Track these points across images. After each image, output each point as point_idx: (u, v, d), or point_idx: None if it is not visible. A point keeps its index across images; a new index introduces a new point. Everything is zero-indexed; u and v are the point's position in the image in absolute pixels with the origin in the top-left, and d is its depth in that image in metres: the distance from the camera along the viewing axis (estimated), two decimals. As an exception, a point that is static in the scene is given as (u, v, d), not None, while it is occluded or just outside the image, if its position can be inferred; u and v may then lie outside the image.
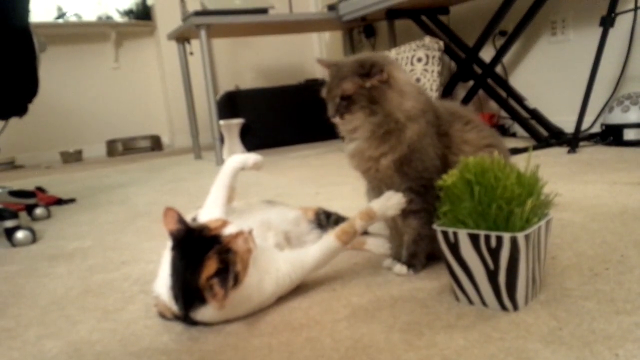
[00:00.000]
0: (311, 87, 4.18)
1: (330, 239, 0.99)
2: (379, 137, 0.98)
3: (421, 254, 1.03)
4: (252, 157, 1.13)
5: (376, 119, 0.96)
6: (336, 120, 1.00)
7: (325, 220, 1.28)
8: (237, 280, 0.84)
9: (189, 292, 0.84)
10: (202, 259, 0.83)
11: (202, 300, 0.83)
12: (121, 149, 4.81)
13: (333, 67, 1.01)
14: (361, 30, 4.34)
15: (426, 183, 0.98)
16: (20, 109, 2.00)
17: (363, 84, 0.96)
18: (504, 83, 3.03)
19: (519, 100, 2.92)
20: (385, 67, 0.96)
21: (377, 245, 1.19)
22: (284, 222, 1.15)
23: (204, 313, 0.85)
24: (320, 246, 0.99)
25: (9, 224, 1.64)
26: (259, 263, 0.90)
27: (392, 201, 0.99)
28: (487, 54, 3.09)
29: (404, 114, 0.96)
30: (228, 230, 0.87)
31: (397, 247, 1.08)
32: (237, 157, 1.13)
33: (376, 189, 1.07)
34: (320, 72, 5.07)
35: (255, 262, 0.89)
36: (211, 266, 0.82)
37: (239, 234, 0.86)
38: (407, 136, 0.97)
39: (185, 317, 0.87)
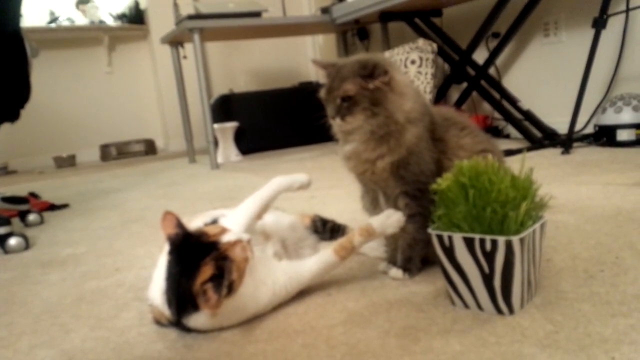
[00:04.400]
0: (305, 90, 4.19)
1: (328, 253, 0.99)
2: (376, 140, 0.97)
3: (416, 258, 1.03)
4: (299, 181, 1.07)
5: (377, 120, 0.95)
6: (336, 121, 0.98)
7: (322, 227, 1.28)
8: (231, 289, 0.83)
9: (182, 297, 0.83)
10: (198, 265, 0.82)
11: (195, 307, 0.82)
12: (115, 153, 4.79)
13: (331, 68, 0.99)
14: (355, 33, 4.34)
15: (421, 187, 0.97)
16: (12, 115, 1.98)
17: (366, 85, 0.94)
18: (497, 85, 3.04)
19: (513, 101, 2.93)
20: (388, 68, 0.95)
21: (372, 248, 1.19)
22: (281, 228, 1.14)
23: (197, 320, 0.85)
24: (317, 260, 0.99)
25: (2, 230, 1.63)
26: (256, 273, 0.89)
27: (392, 219, 0.99)
28: (480, 55, 3.09)
29: (404, 115, 0.96)
30: (226, 238, 0.87)
31: (392, 251, 1.08)
32: (285, 179, 1.07)
33: (371, 193, 1.07)
34: (314, 75, 5.07)
35: (252, 271, 0.88)
36: (206, 272, 0.81)
37: (237, 242, 0.85)
38: (406, 139, 0.96)
39: (178, 323, 0.87)
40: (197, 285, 0.81)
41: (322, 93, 1.00)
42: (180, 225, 0.87)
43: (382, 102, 0.94)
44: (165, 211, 0.88)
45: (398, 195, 1.00)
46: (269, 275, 0.93)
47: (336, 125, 0.99)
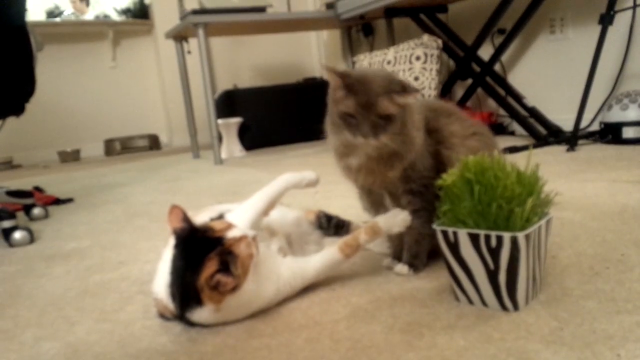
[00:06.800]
0: (309, 85, 4.19)
1: (333, 251, 0.99)
2: (389, 153, 0.95)
3: (423, 253, 1.03)
4: (307, 178, 1.08)
5: (400, 138, 0.92)
6: (369, 141, 0.90)
7: (326, 223, 1.28)
8: (236, 284, 0.83)
9: (186, 291, 0.83)
10: (203, 260, 0.82)
11: (198, 301, 0.83)
12: (119, 148, 4.80)
13: (349, 79, 0.90)
14: (359, 29, 4.33)
15: (425, 182, 0.97)
16: (17, 108, 1.99)
17: (402, 104, 0.90)
18: (502, 81, 3.03)
19: (518, 98, 2.91)
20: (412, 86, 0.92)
21: (377, 244, 1.19)
22: (286, 224, 1.14)
23: (200, 314, 0.85)
24: (322, 257, 0.99)
25: (7, 224, 1.63)
26: (260, 269, 0.89)
27: (398, 218, 0.98)
28: (485, 52, 3.08)
29: (415, 126, 0.96)
30: (232, 234, 0.87)
31: (396, 246, 1.08)
32: (293, 176, 1.06)
33: (373, 195, 1.06)
34: (318, 71, 5.06)
35: (257, 267, 0.88)
36: (211, 267, 0.81)
37: (242, 238, 0.85)
38: (415, 146, 0.96)
39: (182, 317, 0.87)
40: (201, 280, 0.81)
41: (350, 108, 0.90)
42: (186, 219, 0.87)
43: (405, 120, 0.93)
44: (172, 205, 0.88)
45: (402, 193, 1.00)
46: (273, 271, 0.92)
47: (366, 145, 0.91)
